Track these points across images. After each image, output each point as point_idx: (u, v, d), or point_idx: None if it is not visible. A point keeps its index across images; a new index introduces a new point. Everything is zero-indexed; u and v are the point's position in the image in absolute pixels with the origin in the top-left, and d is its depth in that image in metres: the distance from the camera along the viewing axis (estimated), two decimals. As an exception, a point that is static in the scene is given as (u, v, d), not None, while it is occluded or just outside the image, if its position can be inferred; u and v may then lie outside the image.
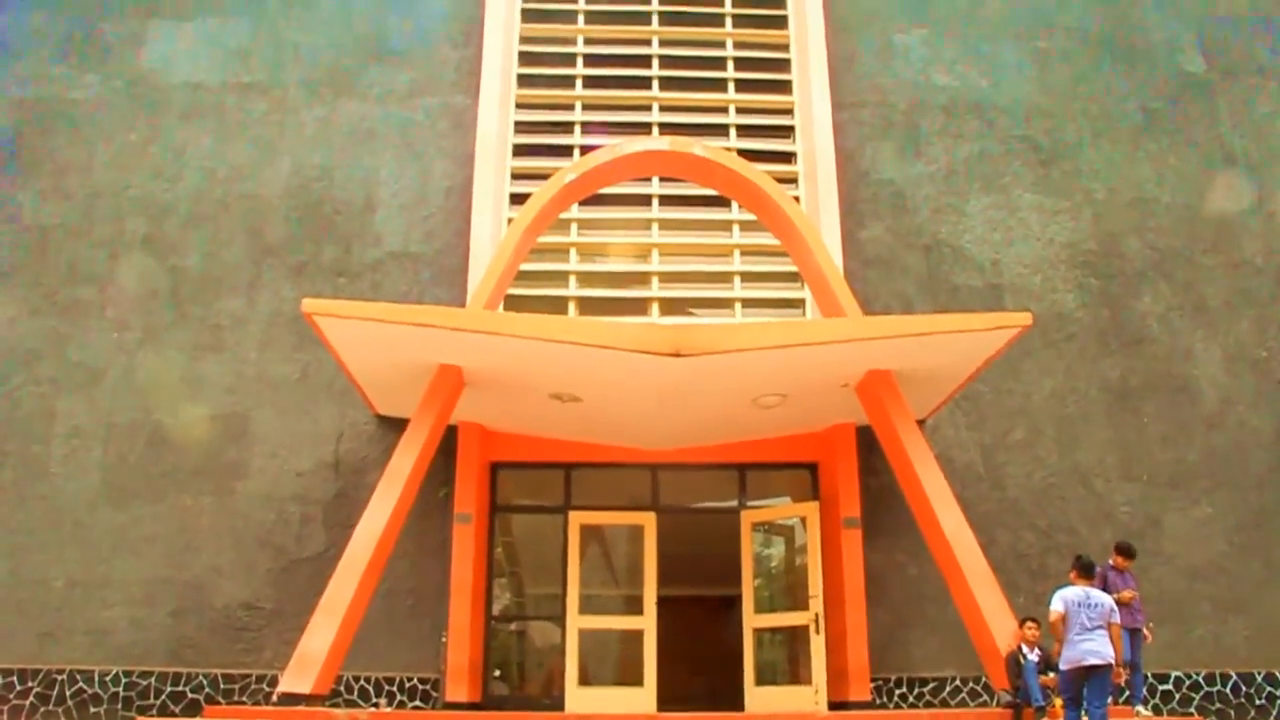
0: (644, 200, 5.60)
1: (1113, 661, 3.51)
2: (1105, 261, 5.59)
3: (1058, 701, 3.65)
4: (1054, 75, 5.99)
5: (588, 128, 5.74)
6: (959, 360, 4.48)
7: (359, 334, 4.19)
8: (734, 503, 5.25)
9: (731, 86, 5.87)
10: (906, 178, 5.67)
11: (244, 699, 4.71)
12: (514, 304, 5.25)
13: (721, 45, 5.96)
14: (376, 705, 4.63)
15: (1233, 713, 4.89)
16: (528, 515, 5.39)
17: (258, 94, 5.76)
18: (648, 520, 5.14)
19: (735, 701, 5.09)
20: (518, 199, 5.44)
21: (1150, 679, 4.73)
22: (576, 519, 5.13)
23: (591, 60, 5.91)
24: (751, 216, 5.16)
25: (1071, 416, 5.26)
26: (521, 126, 5.71)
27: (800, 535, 5.10)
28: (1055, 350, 5.36)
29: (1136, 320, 5.49)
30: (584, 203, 5.25)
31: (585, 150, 5.42)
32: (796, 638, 4.96)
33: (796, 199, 5.52)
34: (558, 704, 4.80)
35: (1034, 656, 3.84)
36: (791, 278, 5.40)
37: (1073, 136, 5.86)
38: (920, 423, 4.86)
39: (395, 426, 4.82)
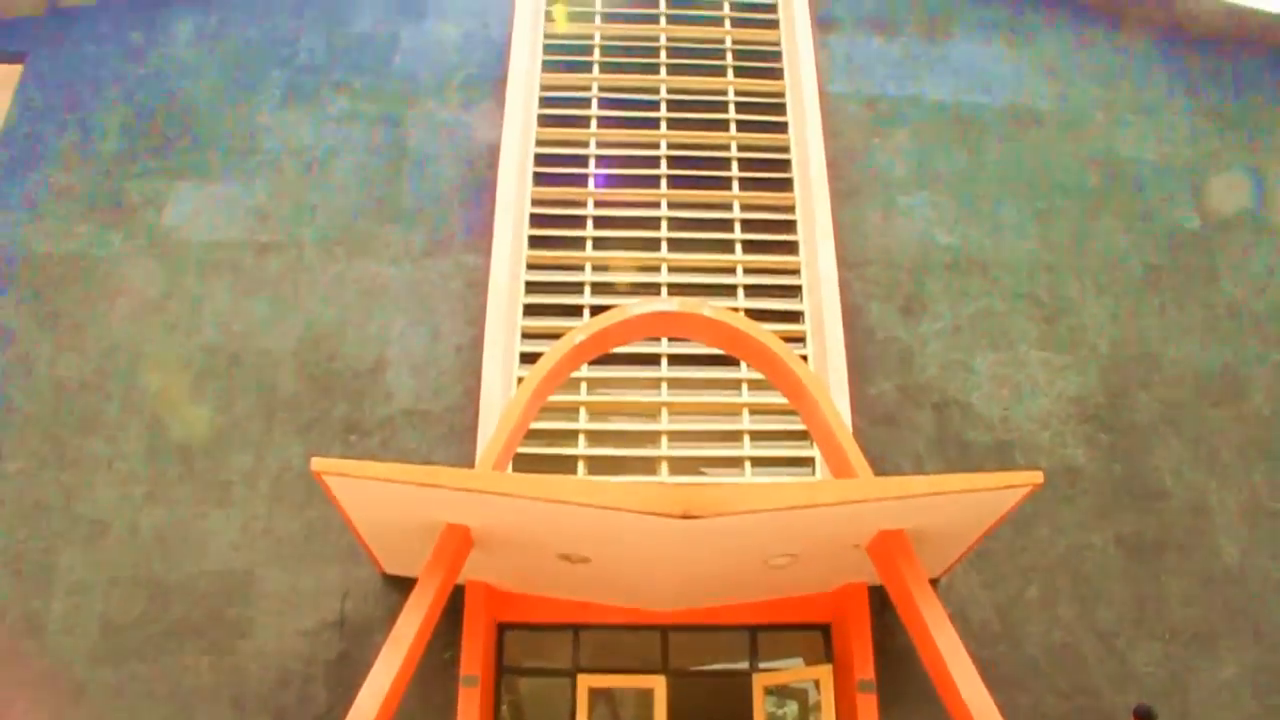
0: (653, 359, 5.65)
1: None
2: (1114, 416, 5.60)
3: None
4: (1055, 233, 6.12)
5: (597, 288, 5.84)
6: (971, 518, 4.44)
7: (367, 493, 4.18)
8: (745, 665, 5.11)
9: (739, 248, 5.99)
10: (913, 335, 5.73)
11: None
12: (523, 462, 5.25)
13: (729, 208, 6.11)
14: None
15: None
16: (535, 677, 5.27)
17: (274, 252, 5.88)
18: (658, 683, 4.99)
19: None
20: (528, 358, 5.50)
21: None
22: (585, 681, 4.99)
23: (601, 222, 6.05)
24: (760, 375, 5.20)
25: (1088, 573, 5.18)
26: (532, 286, 5.81)
27: (814, 699, 4.97)
28: (1069, 505, 5.32)
29: (1149, 474, 5.47)
30: (594, 361, 5.30)
31: (595, 310, 5.52)
32: (812, 807, 4.79)
33: (804, 358, 5.58)
34: None
35: None
36: (801, 436, 5.40)
37: (1075, 292, 5.94)
38: (934, 582, 4.79)
39: (402, 586, 4.76)
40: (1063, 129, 6.52)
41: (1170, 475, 5.48)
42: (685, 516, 3.96)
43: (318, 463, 4.10)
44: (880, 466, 5.16)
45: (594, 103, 6.45)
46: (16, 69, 6.57)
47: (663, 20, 6.82)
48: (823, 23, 6.80)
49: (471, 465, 5.04)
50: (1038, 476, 4.24)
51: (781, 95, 6.56)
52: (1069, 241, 6.10)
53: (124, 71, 6.45)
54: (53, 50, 6.55)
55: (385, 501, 4.21)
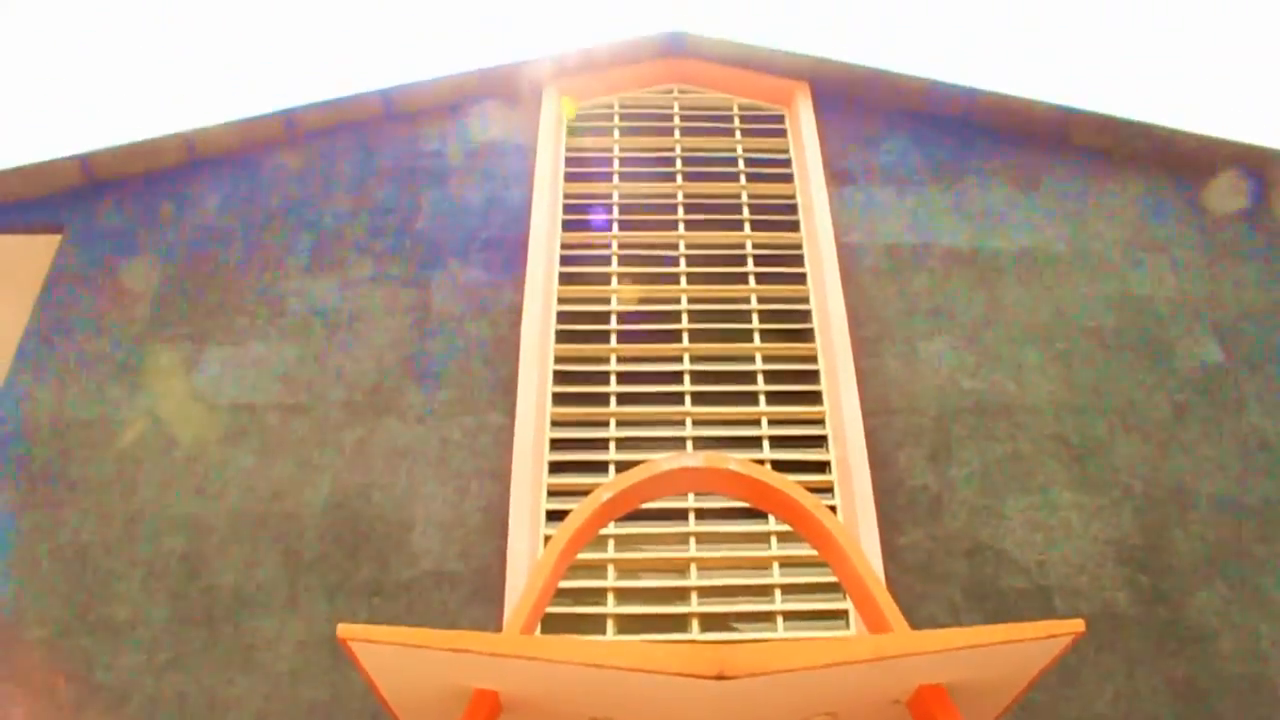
0: (680, 514, 5.61)
1: None
2: (1153, 557, 5.49)
3: None
4: (1078, 374, 6.12)
5: (623, 443, 5.85)
6: (1013, 670, 4.30)
7: (394, 659, 4.09)
8: (787, 829, 4.93)
9: (762, 399, 6.01)
10: (942, 482, 5.68)
11: None
12: (552, 623, 5.17)
13: (751, 360, 6.15)
14: None
15: None
16: None
17: (301, 414, 5.92)
18: None
19: None
20: (555, 516, 5.48)
21: None
22: None
23: (625, 378, 6.10)
24: (790, 528, 5.14)
25: (1138, 725, 5.02)
26: (557, 443, 5.83)
27: None
28: (1114, 653, 5.18)
29: (1195, 616, 5.32)
30: (621, 518, 5.26)
31: (621, 466, 5.52)
32: None
33: (833, 508, 5.53)
34: None
35: None
36: (833, 589, 5.31)
37: (1104, 432, 5.90)
38: (978, 738, 4.63)
39: (429, 755, 4.65)
40: (1078, 270, 6.59)
41: (1217, 617, 5.33)
42: (719, 677, 3.85)
43: (344, 629, 4.04)
44: (915, 617, 5.06)
45: (614, 260, 6.58)
46: (55, 240, 6.80)
47: (679, 178, 7.01)
48: (836, 176, 6.96)
49: (500, 627, 4.96)
50: (1079, 625, 4.12)
51: (799, 247, 6.68)
52: (1093, 381, 6.09)
53: (156, 239, 6.64)
54: (88, 220, 6.76)
55: (412, 667, 4.13)
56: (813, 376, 6.12)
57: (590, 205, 6.86)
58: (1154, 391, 6.09)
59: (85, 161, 6.88)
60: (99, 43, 17.72)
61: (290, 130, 7.19)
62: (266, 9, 18.31)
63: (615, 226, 6.72)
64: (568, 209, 6.87)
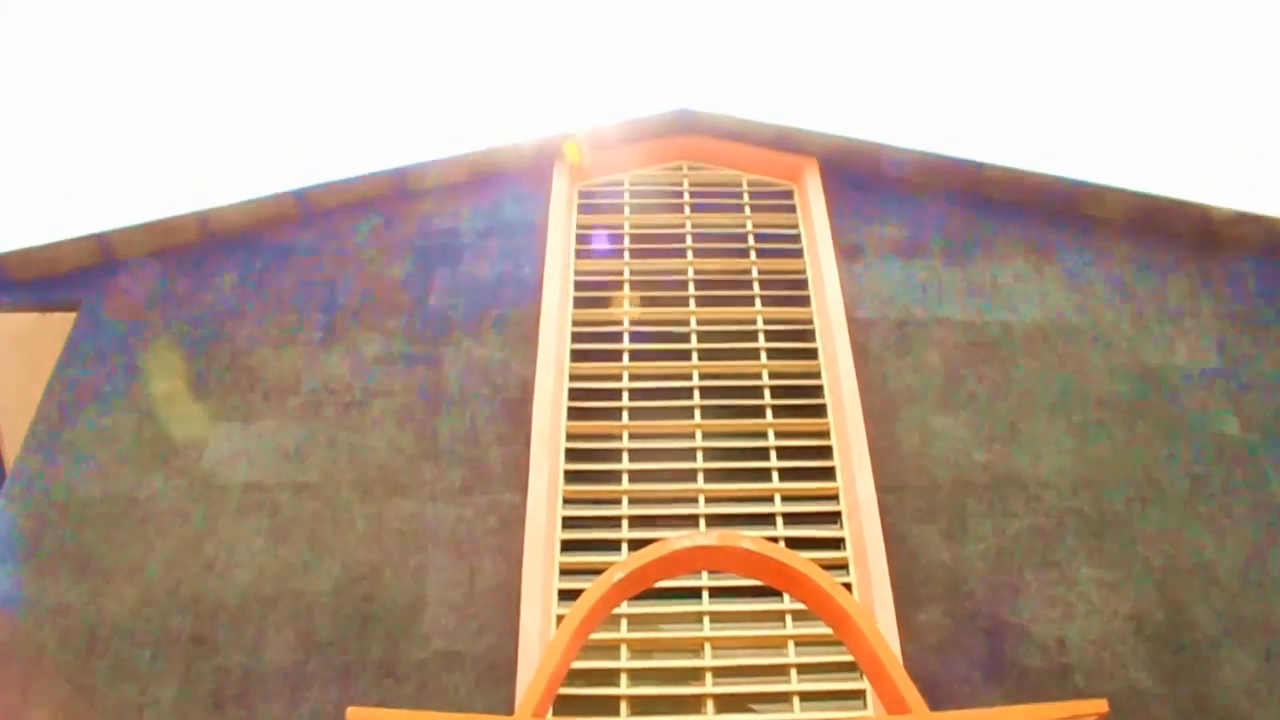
0: (694, 593, 5.56)
1: None
2: (1176, 633, 5.39)
3: None
4: (1093, 447, 6.07)
5: (635, 521, 5.81)
6: (1035, 753, 4.23)
7: (404, 744, 4.04)
8: None
9: (775, 475, 5.98)
10: (958, 558, 5.61)
11: None
12: (565, 705, 5.09)
13: (764, 435, 6.14)
14: None
15: None
16: None
17: (312, 493, 5.90)
18: None
19: None
20: (567, 595, 5.43)
21: None
22: None
23: (636, 455, 6.09)
24: (805, 606, 5.09)
25: (1166, 808, 4.90)
26: (569, 521, 5.80)
27: None
28: (1137, 734, 5.07)
29: (1220, 694, 5.21)
30: (634, 597, 5.21)
31: (634, 544, 5.48)
32: None
33: (848, 586, 5.47)
34: None
35: None
36: (849, 668, 5.23)
37: (1121, 506, 5.84)
38: (1002, 823, 4.52)
39: (440, 842, 4.55)
40: (1091, 342, 6.58)
41: (1244, 695, 5.22)
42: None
43: (354, 713, 3.99)
44: (934, 697, 4.97)
45: (625, 337, 6.61)
46: (70, 317, 6.86)
47: (690, 254, 7.06)
48: (846, 250, 7.00)
49: (512, 709, 4.89)
50: (1102, 705, 4.06)
51: (810, 322, 6.71)
52: (1108, 454, 6.04)
53: (170, 318, 6.68)
54: (103, 298, 6.82)
55: (423, 753, 4.07)
56: (825, 452, 6.09)
57: (602, 282, 6.89)
58: (1171, 464, 6.04)
59: (102, 239, 6.96)
60: (116, 121, 18.03)
61: (304, 208, 7.28)
62: (281, 89, 18.64)
63: (627, 303, 6.74)
64: (579, 285, 6.91)
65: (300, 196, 7.23)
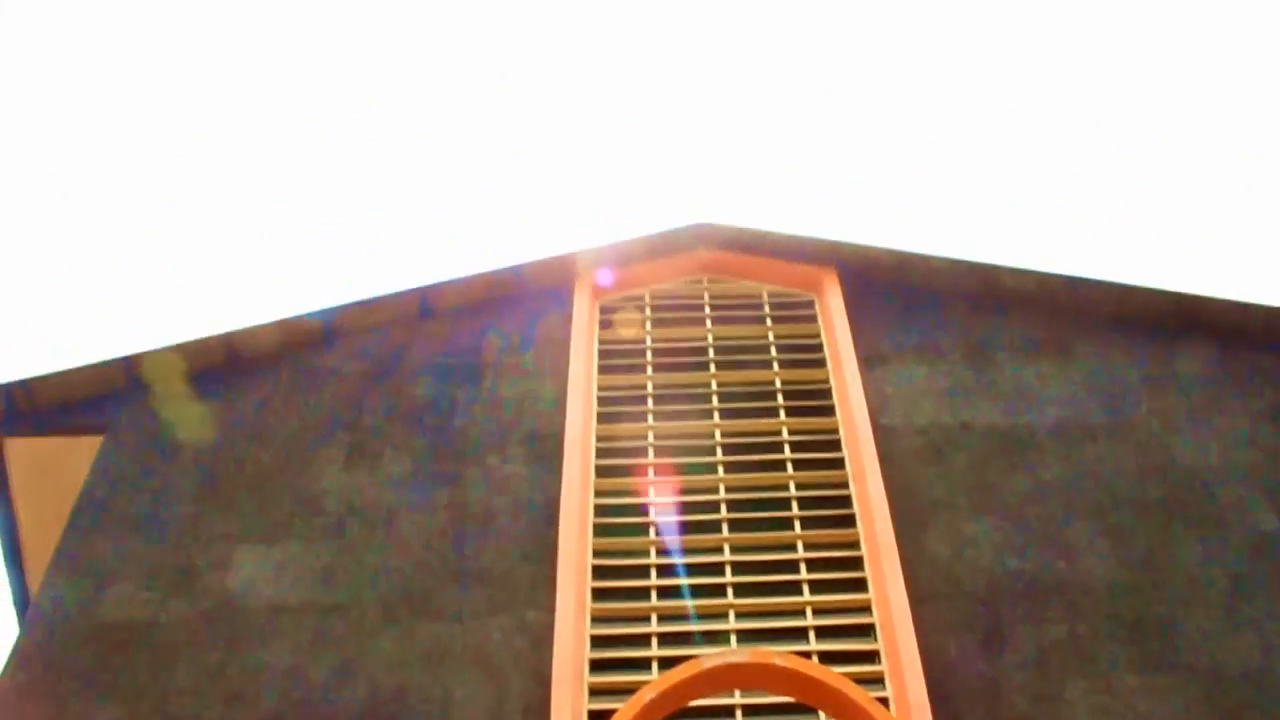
0: (727, 711, 5.42)
1: None
2: (1227, 743, 5.23)
3: None
4: (1129, 549, 5.96)
5: (665, 638, 5.71)
6: None
7: None
8: None
9: (806, 588, 5.89)
10: (996, 669, 5.48)
11: None
12: (597, 832, 4.95)
13: (793, 548, 6.07)
14: None
15: None
16: None
17: (337, 615, 5.84)
18: None
19: None
20: (598, 716, 5.30)
21: None
22: None
23: (665, 571, 6.01)
24: (841, 722, 4.96)
25: None
26: (598, 640, 5.71)
27: None
28: None
29: (1276, 807, 5.04)
30: (666, 718, 5.10)
31: (664, 661, 5.38)
32: None
33: (884, 701, 5.33)
34: None
35: None
36: (890, 787, 5.07)
37: (1163, 610, 5.71)
38: None
39: None
40: (1119, 441, 6.51)
41: (1299, 807, 5.04)
42: None
43: None
44: (980, 817, 4.80)
45: (650, 451, 6.59)
46: (96, 441, 6.90)
47: (712, 367, 7.09)
48: (869, 358, 7.01)
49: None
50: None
51: (835, 431, 6.68)
52: (1145, 557, 5.93)
53: (196, 440, 6.71)
54: (130, 421, 6.87)
55: None
56: (856, 563, 6.00)
57: (626, 399, 6.91)
58: (1211, 564, 5.92)
59: (128, 363, 7.05)
60: (140, 245, 18.41)
61: (328, 330, 7.36)
62: (304, 210, 19.03)
63: (650, 418, 6.75)
64: (602, 401, 6.93)
65: (324, 318, 7.32)
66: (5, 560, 7.31)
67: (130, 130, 18.31)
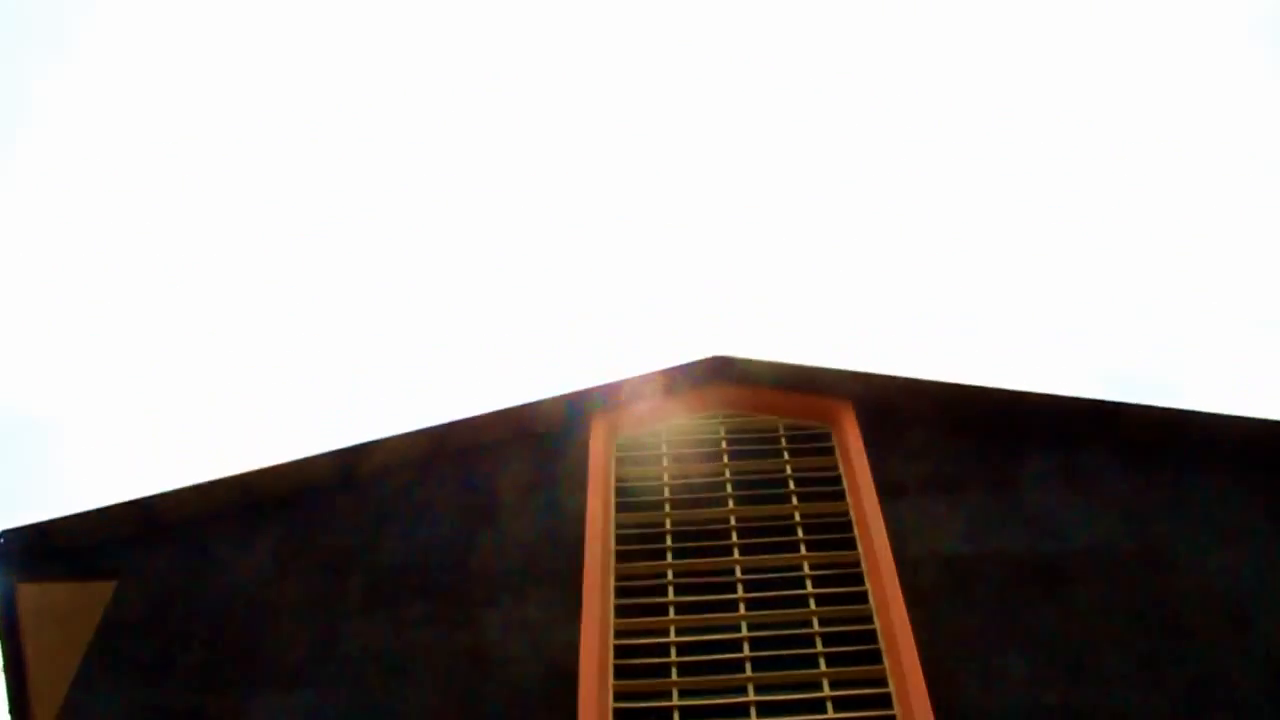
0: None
1: None
2: None
3: None
4: (1167, 679, 5.77)
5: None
6: None
7: None
8: None
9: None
10: (1036, 811, 5.28)
11: None
12: None
13: (817, 686, 5.92)
14: None
15: None
16: None
17: (354, 762, 5.71)
18: None
19: None
20: None
21: None
22: None
23: (688, 713, 5.85)
24: None
25: None
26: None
27: None
28: None
29: None
30: None
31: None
32: None
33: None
34: None
35: None
36: None
37: (1207, 744, 5.52)
38: None
39: None
40: (1149, 567, 6.38)
41: None
42: None
43: None
44: None
45: (670, 589, 6.50)
46: (109, 586, 6.84)
47: (730, 502, 7.05)
48: (888, 489, 6.96)
49: None
50: None
51: (857, 565, 6.58)
52: (1185, 686, 5.75)
53: (210, 584, 6.66)
54: (143, 565, 6.83)
55: None
56: (884, 700, 5.83)
57: (644, 535, 6.86)
58: (1254, 693, 5.73)
59: (142, 505, 7.04)
60: (154, 388, 18.58)
61: (344, 469, 7.36)
62: (315, 351, 19.25)
63: (669, 555, 6.69)
64: (621, 539, 6.87)
65: (340, 457, 7.33)
66: (11, 709, 7.17)
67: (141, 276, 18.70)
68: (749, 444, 7.61)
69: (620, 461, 7.48)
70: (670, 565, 6.60)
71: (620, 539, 6.88)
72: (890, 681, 5.91)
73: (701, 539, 6.85)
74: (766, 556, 6.64)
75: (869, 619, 6.28)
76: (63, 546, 6.99)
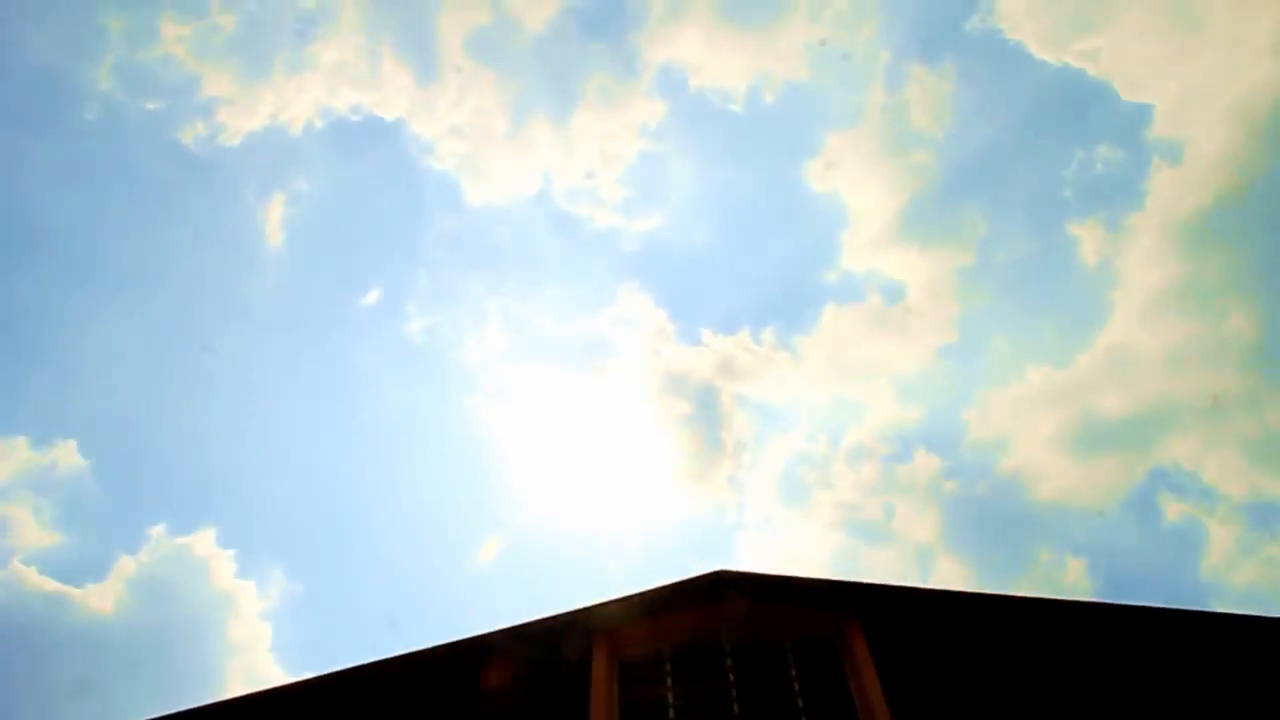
0: None
1: None
2: None
3: None
4: None
5: None
6: None
7: None
8: None
9: None
10: None
11: None
12: None
13: None
14: None
15: None
16: None
17: None
18: None
19: None
20: None
21: None
22: None
23: None
24: None
25: None
26: None
27: None
28: None
29: None
30: None
31: None
32: None
33: None
34: None
35: None
36: None
37: None
38: None
39: None
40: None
41: None
42: None
43: None
44: None
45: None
46: None
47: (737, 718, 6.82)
48: (897, 701, 6.72)
49: None
50: None
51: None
52: None
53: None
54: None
55: None
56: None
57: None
58: None
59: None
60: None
61: (355, 688, 7.19)
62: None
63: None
64: (626, 760, 6.63)
65: (343, 677, 7.19)
66: None
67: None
68: (755, 659, 7.40)
69: (623, 682, 7.28)
70: (678, 786, 6.34)
71: (626, 760, 6.64)
72: None
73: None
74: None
75: None
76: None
